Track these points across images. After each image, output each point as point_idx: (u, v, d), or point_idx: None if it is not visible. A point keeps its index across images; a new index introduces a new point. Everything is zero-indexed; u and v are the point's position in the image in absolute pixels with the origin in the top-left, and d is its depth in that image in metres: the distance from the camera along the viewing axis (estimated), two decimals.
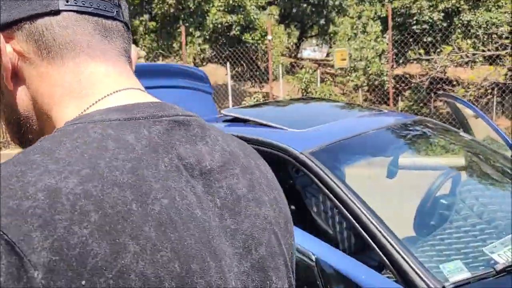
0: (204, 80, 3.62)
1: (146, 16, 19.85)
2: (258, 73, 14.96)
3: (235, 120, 2.34)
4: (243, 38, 14.27)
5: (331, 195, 1.65)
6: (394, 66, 13.08)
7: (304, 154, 1.73)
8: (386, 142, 1.99)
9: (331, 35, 21.85)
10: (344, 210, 1.62)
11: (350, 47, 20.74)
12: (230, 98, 13.14)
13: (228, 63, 13.15)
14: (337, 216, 2.71)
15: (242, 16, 14.41)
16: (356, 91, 16.27)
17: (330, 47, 33.24)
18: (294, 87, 11.31)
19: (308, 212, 2.61)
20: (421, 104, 14.18)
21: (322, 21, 21.73)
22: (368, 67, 15.65)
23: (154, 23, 19.58)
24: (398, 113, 3.52)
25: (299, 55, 27.43)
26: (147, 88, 2.42)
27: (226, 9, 14.62)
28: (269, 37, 7.97)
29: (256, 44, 14.26)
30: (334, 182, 1.63)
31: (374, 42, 16.20)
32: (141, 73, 2.64)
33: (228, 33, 14.66)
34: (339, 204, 1.64)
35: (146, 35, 19.49)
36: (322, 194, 2.72)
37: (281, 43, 15.92)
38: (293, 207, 2.71)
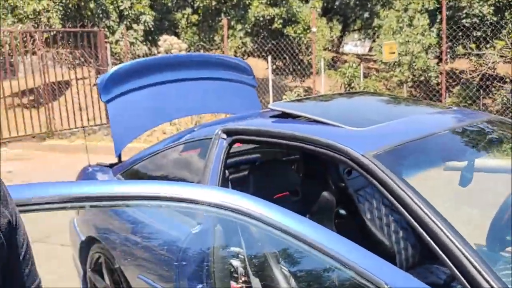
0: (248, 72, 3.39)
1: (188, 10, 19.84)
2: (299, 67, 14.63)
3: (283, 116, 2.11)
4: (285, 31, 13.99)
5: (398, 205, 1.39)
6: (448, 61, 12.45)
7: (367, 157, 1.48)
8: (462, 144, 1.71)
9: (375, 29, 21.21)
10: (413, 221, 1.36)
11: (395, 41, 20.03)
12: (270, 92, 12.90)
13: (269, 57, 12.90)
14: (393, 224, 2.43)
15: (284, 9, 14.11)
16: (400, 86, 15.64)
17: (373, 41, 32.37)
18: (336, 82, 10.93)
19: (361, 218, 2.35)
20: (470, 101, 13.47)
21: (366, 15, 21.13)
22: (414, 62, 15.04)
23: (196, 17, 19.55)
24: (469, 110, 3.17)
25: (340, 50, 26.83)
26: (189, 80, 2.18)
27: (268, 2, 14.35)
28: (314, 29, 7.68)
29: (298, 38, 13.94)
30: (403, 190, 1.37)
31: (421, 36, 15.50)
32: (184, 64, 2.40)
33: (270, 27, 14.41)
34: (407, 214, 1.38)
35: (188, 28, 19.49)
36: (377, 200, 2.45)
37: (323, 37, 15.52)
38: (343, 212, 2.46)
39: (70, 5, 14.46)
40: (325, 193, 2.24)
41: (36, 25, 12.51)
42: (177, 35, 18.94)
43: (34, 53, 11.01)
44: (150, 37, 16.75)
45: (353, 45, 38.24)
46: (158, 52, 10.61)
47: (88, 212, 2.76)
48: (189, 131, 2.49)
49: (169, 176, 2.41)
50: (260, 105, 3.53)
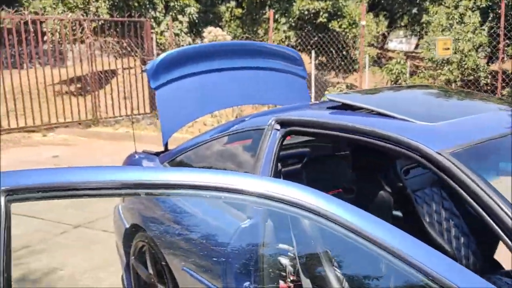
0: (299, 62, 3.26)
1: (232, 3, 19.81)
2: (343, 63, 14.32)
3: (341, 107, 1.97)
4: (330, 25, 13.72)
5: (480, 210, 1.24)
6: (505, 60, 11.87)
7: (443, 155, 1.33)
8: None
9: (424, 25, 20.52)
10: (499, 229, 1.21)
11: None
12: (313, 87, 12.68)
13: (313, 51, 12.67)
14: (453, 229, 2.25)
15: (330, 2, 13.83)
16: (448, 86, 15.12)
17: (420, 38, 31.44)
18: (382, 79, 10.61)
19: (419, 220, 2.19)
20: None
21: (414, 10, 20.46)
22: (463, 61, 14.46)
23: (240, 10, 19.51)
24: None
25: (385, 46, 26.18)
26: (238, 68, 2.05)
27: None
28: (363, 22, 7.42)
29: (344, 33, 13.64)
30: (488, 194, 1.21)
31: (471, 34, 14.87)
32: (233, 52, 2.28)
33: (314, 21, 14.18)
34: (490, 220, 1.23)
35: (232, 21, 19.47)
36: (436, 203, 2.28)
37: (369, 32, 15.13)
38: (400, 213, 2.30)
39: None
40: (382, 193, 2.09)
41: (84, 14, 12.74)
42: (220, 27, 18.98)
43: (82, 41, 11.23)
44: (194, 29, 16.83)
45: (398, 42, 37.23)
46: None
47: (133, 199, 2.71)
48: (238, 121, 2.39)
49: (217, 168, 2.32)
50: (309, 97, 3.40)
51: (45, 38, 10.54)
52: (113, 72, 10.97)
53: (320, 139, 2.47)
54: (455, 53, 15.34)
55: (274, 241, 1.87)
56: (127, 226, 2.68)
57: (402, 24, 28.00)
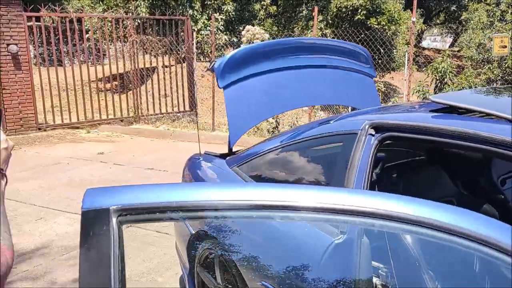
0: (367, 60, 3.02)
1: (267, 1, 19.59)
2: (380, 61, 13.91)
3: (445, 110, 1.74)
4: (368, 23, 13.34)
5: None
6: None
7: None
8: None
9: (463, 22, 19.84)
10: None
11: (484, 36, 18.57)
12: None
13: None
14: None
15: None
16: (489, 85, 14.48)
17: (456, 36, 30.44)
18: (427, 77, 10.20)
19: None
20: None
21: (453, 8, 19.79)
22: (504, 59, 13.87)
23: (274, 8, 19.27)
24: None
25: (419, 44, 25.48)
26: (305, 67, 1.79)
27: None
28: (413, 18, 7.06)
29: (382, 30, 13.24)
30: None
31: None
32: (302, 49, 2.03)
33: (352, 18, 13.83)
34: None
35: (267, 19, 19.25)
36: None
37: (408, 30, 14.64)
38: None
39: None
40: (486, 207, 1.85)
41: (124, 13, 12.75)
42: (254, 25, 18.81)
43: (124, 39, 11.24)
44: (230, 27, 16.71)
45: (432, 40, 36.18)
46: (240, 42, 10.41)
47: None
48: (321, 123, 2.18)
49: (298, 176, 2.11)
50: (378, 98, 3.16)
51: (88, 35, 10.61)
52: (152, 70, 10.92)
53: (413, 146, 2.23)
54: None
55: (370, 259, 1.66)
56: (193, 231, 2.51)
57: (438, 21, 27.19)
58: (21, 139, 8.09)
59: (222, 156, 2.74)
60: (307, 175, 2.06)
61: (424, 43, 31.65)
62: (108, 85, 10.61)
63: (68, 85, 9.20)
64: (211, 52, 16.08)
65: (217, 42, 15.95)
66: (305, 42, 2.91)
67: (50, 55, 11.45)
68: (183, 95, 10.28)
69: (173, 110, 10.14)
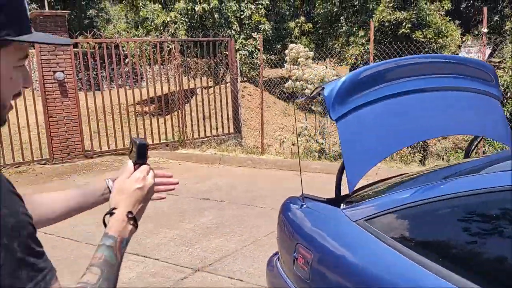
0: (492, 79, 2.47)
1: (302, 18, 19.22)
2: None
3: None
4: (413, 36, 12.72)
5: None
6: None
7: None
8: None
9: (508, 33, 18.94)
10: None
11: None
12: None
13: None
14: None
15: (414, 12, 12.85)
16: None
17: (495, 46, 29.24)
18: None
19: None
20: None
21: (496, 18, 18.90)
22: None
23: (310, 25, 18.86)
24: None
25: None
26: (429, 90, 1.16)
27: (395, 6, 13.17)
28: (485, 29, 6.44)
29: (429, 43, 12.60)
30: None
31: None
32: (432, 68, 1.42)
33: (396, 32, 13.24)
34: None
35: (303, 37, 18.84)
36: None
37: (453, 42, 13.95)
38: None
39: (195, 16, 14.50)
40: None
41: (162, 36, 12.55)
42: (292, 43, 18.44)
43: (168, 62, 11.00)
44: (268, 45, 16.36)
45: (466, 52, 35.06)
46: (283, 61, 9.96)
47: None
48: None
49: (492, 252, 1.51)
50: (507, 124, 2.59)
51: (127, 60, 10.41)
52: (191, 92, 10.57)
53: None
54: None
55: None
56: None
57: (477, 32, 26.25)
58: (68, 168, 7.81)
59: (331, 202, 2.22)
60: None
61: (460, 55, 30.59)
62: (148, 109, 10.33)
63: (113, 110, 8.93)
64: (248, 71, 15.79)
65: (255, 61, 15.65)
66: (429, 60, 2.37)
67: (93, 79, 11.28)
68: (228, 117, 9.87)
69: (217, 132, 9.73)
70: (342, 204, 2.12)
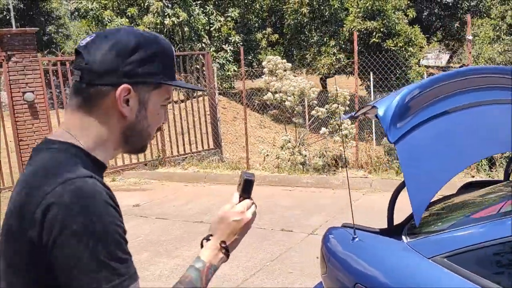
0: None
1: (268, 29, 19.15)
2: (395, 83, 13.35)
3: None
4: (384, 45, 12.83)
5: None
6: None
7: None
8: None
9: (464, 39, 19.52)
10: None
11: (493, 50, 18.15)
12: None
13: (371, 73, 11.74)
14: None
15: (382, 22, 12.98)
16: None
17: (453, 53, 30.21)
18: None
19: None
20: None
21: (457, 24, 19.45)
22: None
23: (276, 36, 18.81)
24: None
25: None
26: (475, 105, 0.93)
27: (364, 16, 13.27)
28: (469, 36, 6.43)
29: (398, 52, 12.72)
30: None
31: None
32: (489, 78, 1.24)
33: (367, 41, 13.32)
34: None
35: (269, 48, 18.76)
36: None
37: (422, 49, 14.19)
38: None
39: (164, 30, 14.14)
40: None
41: None
42: (259, 54, 18.31)
43: None
44: (238, 57, 16.17)
45: (424, 58, 36.07)
46: (262, 73, 9.76)
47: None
48: None
49: None
50: None
51: None
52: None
53: None
54: (506, 64, 14.38)
55: None
56: None
57: (435, 39, 27.06)
58: None
59: (386, 233, 1.99)
60: None
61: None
62: None
63: None
64: (221, 84, 15.50)
65: (227, 73, 15.41)
66: (484, 72, 2.18)
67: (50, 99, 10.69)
68: (206, 132, 9.55)
69: (197, 149, 9.39)
70: (404, 237, 1.89)
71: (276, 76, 9.12)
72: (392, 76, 12.36)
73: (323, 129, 8.50)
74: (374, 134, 12.22)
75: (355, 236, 2.00)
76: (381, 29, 12.90)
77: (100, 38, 0.91)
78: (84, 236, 0.78)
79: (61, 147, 0.89)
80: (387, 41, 12.81)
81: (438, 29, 24.75)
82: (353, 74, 14.04)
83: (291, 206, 5.83)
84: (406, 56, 12.70)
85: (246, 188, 1.09)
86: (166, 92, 0.97)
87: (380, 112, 1.85)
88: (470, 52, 6.73)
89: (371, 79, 11.99)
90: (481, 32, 18.41)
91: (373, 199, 5.91)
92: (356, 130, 7.67)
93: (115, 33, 0.92)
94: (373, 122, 12.42)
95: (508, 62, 18.24)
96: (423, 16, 19.69)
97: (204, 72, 9.86)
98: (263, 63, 9.51)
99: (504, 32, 17.69)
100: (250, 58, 16.20)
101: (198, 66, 10.32)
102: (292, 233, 4.85)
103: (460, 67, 28.55)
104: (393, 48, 12.67)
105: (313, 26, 14.74)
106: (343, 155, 7.72)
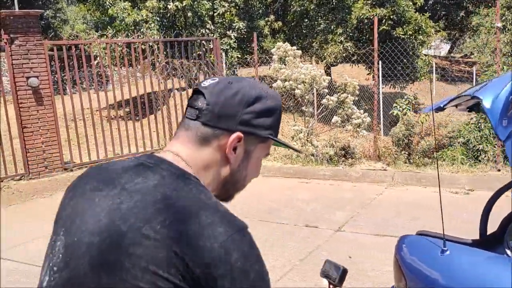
0: None
1: (271, 17, 18.70)
2: (407, 71, 13.05)
3: None
4: (393, 33, 12.48)
5: None
6: None
7: None
8: None
9: (473, 28, 19.19)
10: None
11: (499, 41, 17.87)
12: (381, 103, 11.38)
13: (380, 62, 11.40)
14: None
15: (392, 9, 12.60)
16: None
17: (454, 42, 29.88)
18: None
19: None
20: None
21: (462, 13, 19.11)
22: None
23: (280, 23, 18.37)
24: None
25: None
26: None
27: (374, 3, 12.89)
28: (498, 24, 6.13)
29: (408, 40, 12.38)
30: None
31: None
32: None
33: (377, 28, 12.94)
34: None
35: (275, 35, 18.33)
36: None
37: (430, 37, 13.86)
38: None
39: (168, 15, 13.70)
40: None
41: (133, 36, 11.73)
42: (263, 42, 17.86)
43: (130, 65, 10.20)
44: (243, 44, 15.75)
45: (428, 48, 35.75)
46: (267, 61, 9.44)
47: None
48: None
49: None
50: None
51: (97, 61, 9.56)
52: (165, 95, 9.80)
53: None
54: (511, 55, 14.20)
55: None
56: None
57: (438, 28, 26.73)
58: (48, 184, 6.94)
59: (481, 244, 1.70)
60: None
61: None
62: (132, 112, 9.52)
63: (93, 116, 8.08)
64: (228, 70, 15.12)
65: (230, 60, 15.01)
66: None
67: (64, 82, 10.33)
68: None
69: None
70: (509, 251, 1.60)
71: (285, 63, 8.80)
72: (401, 65, 12.05)
73: (335, 118, 8.23)
74: (382, 124, 11.95)
75: (445, 248, 1.70)
76: (391, 17, 12.53)
77: (224, 83, 0.93)
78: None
79: (178, 173, 0.87)
80: (396, 29, 12.46)
81: (441, 18, 24.41)
82: (361, 63, 13.70)
83: (310, 200, 5.54)
84: (416, 44, 12.36)
85: (342, 278, 1.16)
86: (268, 148, 0.99)
87: (487, 104, 1.54)
88: (498, 40, 6.42)
89: (380, 68, 11.66)
90: (486, 22, 18.10)
91: (395, 193, 5.64)
92: (374, 120, 7.38)
93: (239, 81, 0.95)
94: (378, 109, 12.08)
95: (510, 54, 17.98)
96: (428, 5, 19.31)
97: (207, 60, 9.49)
98: (272, 50, 9.16)
99: (510, 22, 17.39)
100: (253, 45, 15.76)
101: (200, 53, 9.95)
102: (317, 229, 4.57)
103: (462, 57, 28.11)
104: (403, 36, 12.32)
105: (319, 13, 14.33)
106: (366, 147, 7.43)
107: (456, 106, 1.81)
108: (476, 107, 1.80)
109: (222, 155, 0.92)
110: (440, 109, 1.80)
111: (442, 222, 1.73)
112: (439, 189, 1.73)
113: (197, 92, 0.93)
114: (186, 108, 0.94)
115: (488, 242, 1.71)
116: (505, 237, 1.69)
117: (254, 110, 0.92)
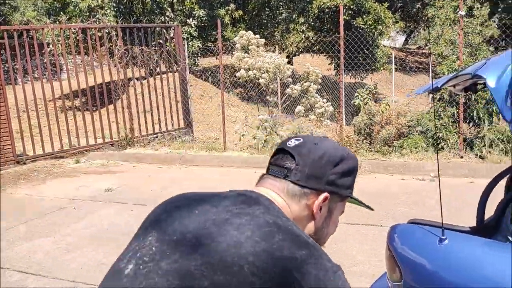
0: None
1: (232, 6, 18.43)
2: (366, 61, 13.17)
3: None
4: (354, 23, 12.54)
5: None
6: None
7: None
8: None
9: (430, 20, 19.66)
10: None
11: (453, 32, 18.43)
12: (343, 92, 11.40)
13: (342, 52, 11.43)
14: None
15: None
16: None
17: (409, 34, 30.56)
18: (438, 76, 9.46)
19: None
20: None
21: (418, 5, 19.53)
22: (475, 54, 13.64)
23: (240, 12, 18.13)
24: None
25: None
26: None
27: None
28: (462, 12, 6.21)
29: (369, 30, 12.49)
30: None
31: (480, 27, 13.99)
32: None
33: (336, 18, 12.98)
34: None
35: (232, 25, 18.08)
36: None
37: (389, 28, 14.06)
38: None
39: (124, 1, 13.17)
40: None
41: (89, 22, 11.19)
42: (224, 31, 17.56)
43: (86, 53, 9.72)
44: (204, 33, 15.42)
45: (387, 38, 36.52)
46: (233, 48, 9.24)
47: None
48: None
49: None
50: None
51: (49, 48, 9.02)
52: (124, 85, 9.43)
53: None
54: (465, 46, 14.57)
55: None
56: None
57: (394, 19, 27.30)
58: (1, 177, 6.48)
59: (480, 232, 1.61)
60: None
61: None
62: (89, 103, 9.08)
63: (46, 106, 7.62)
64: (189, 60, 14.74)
65: (191, 49, 14.65)
66: None
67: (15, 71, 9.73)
68: (177, 110, 8.94)
69: (166, 128, 8.77)
70: (511, 236, 1.52)
71: (247, 52, 8.63)
72: (360, 55, 12.14)
73: (299, 107, 8.17)
74: (343, 114, 12.03)
75: (444, 237, 1.61)
76: (351, 6, 12.59)
77: (310, 144, 0.99)
78: None
79: (280, 211, 0.92)
80: (356, 18, 12.54)
81: (398, 9, 24.90)
82: (322, 53, 13.71)
83: None
84: (376, 34, 12.50)
85: None
86: (344, 205, 1.04)
87: (491, 83, 1.44)
88: (462, 29, 6.51)
89: (342, 57, 11.69)
90: (442, 13, 18.58)
91: (363, 181, 5.63)
92: (341, 108, 7.35)
93: (323, 141, 1.01)
94: (343, 98, 12.13)
95: (468, 44, 18.59)
96: None
97: (168, 48, 9.18)
98: (235, 39, 8.95)
99: (465, 14, 17.95)
100: (215, 33, 15.48)
101: (161, 41, 9.61)
102: None
103: (417, 48, 28.79)
104: (363, 26, 12.42)
105: (281, 2, 14.22)
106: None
107: (454, 86, 1.72)
108: (473, 87, 1.71)
109: (308, 213, 0.97)
110: (436, 89, 1.70)
111: (441, 210, 1.63)
112: (439, 179, 1.63)
113: (282, 151, 0.99)
114: (268, 167, 1.00)
115: (486, 229, 1.63)
116: (504, 221, 1.62)
117: (339, 171, 0.97)
